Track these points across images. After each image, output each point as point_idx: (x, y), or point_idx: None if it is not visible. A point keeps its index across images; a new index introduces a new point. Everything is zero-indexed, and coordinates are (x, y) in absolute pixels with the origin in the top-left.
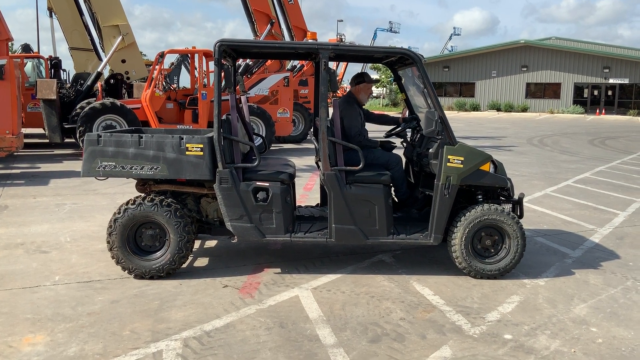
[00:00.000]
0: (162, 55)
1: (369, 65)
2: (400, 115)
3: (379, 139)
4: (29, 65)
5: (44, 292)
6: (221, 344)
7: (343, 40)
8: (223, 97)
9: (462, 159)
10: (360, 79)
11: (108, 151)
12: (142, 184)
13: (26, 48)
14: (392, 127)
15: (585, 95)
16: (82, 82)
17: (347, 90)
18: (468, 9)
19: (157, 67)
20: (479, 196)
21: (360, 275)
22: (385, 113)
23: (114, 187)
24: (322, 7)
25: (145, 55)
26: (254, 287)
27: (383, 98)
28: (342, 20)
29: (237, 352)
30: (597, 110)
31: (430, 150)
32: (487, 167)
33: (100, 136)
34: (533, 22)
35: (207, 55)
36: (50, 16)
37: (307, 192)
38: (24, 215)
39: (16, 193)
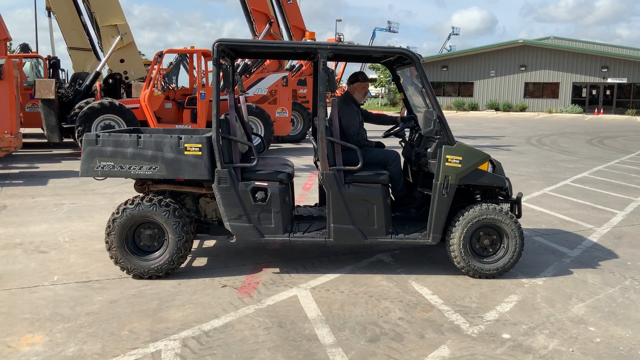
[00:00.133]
0: (160, 55)
1: (368, 64)
2: (398, 115)
3: (374, 139)
4: (27, 65)
5: (43, 292)
6: (220, 343)
7: (342, 39)
8: (222, 97)
9: (460, 158)
10: (354, 78)
11: (106, 151)
12: (141, 183)
13: (25, 48)
14: (390, 126)
15: (584, 94)
16: (80, 81)
17: (346, 90)
18: (466, 9)
19: (155, 66)
20: (477, 196)
21: (358, 274)
22: (384, 113)
23: (112, 187)
24: (321, 6)
25: (144, 55)
26: (253, 287)
27: (382, 98)
28: (340, 20)
29: (236, 351)
30: (596, 110)
31: (429, 149)
32: (486, 167)
33: (99, 136)
34: (531, 21)
35: (205, 55)
36: (49, 16)
37: (306, 191)
38: (23, 215)
39: (15, 193)
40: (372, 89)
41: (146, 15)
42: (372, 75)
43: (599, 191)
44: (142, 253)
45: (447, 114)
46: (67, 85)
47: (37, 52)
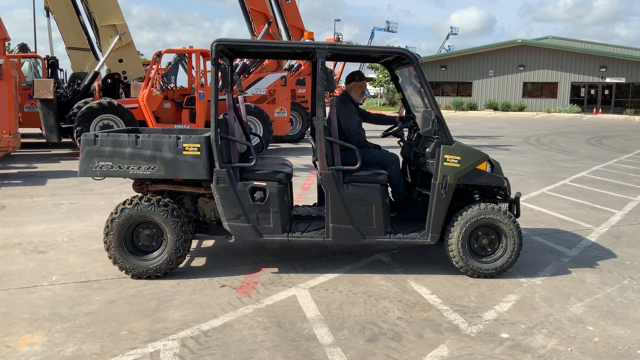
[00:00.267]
0: (159, 55)
1: (366, 64)
2: (397, 115)
3: (372, 141)
4: (26, 65)
5: (41, 292)
6: (219, 343)
7: (340, 39)
8: (220, 97)
9: (458, 158)
10: (351, 77)
11: (105, 151)
12: (139, 183)
13: (23, 48)
14: (389, 126)
15: (582, 94)
16: (79, 81)
17: (344, 89)
18: (465, 9)
19: (154, 66)
20: (476, 195)
21: (357, 274)
22: (382, 112)
23: (111, 187)
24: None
25: (142, 54)
26: (252, 286)
27: (380, 97)
28: (339, 20)
29: (235, 351)
30: (594, 110)
31: (427, 149)
32: (484, 167)
33: (97, 136)
34: (530, 21)
35: (204, 54)
36: (48, 16)
37: (305, 191)
38: (21, 215)
39: (13, 193)
40: (371, 89)
41: (144, 14)
42: (370, 75)
43: (598, 191)
44: (140, 253)
45: (445, 113)
46: (66, 85)
47: (35, 52)
